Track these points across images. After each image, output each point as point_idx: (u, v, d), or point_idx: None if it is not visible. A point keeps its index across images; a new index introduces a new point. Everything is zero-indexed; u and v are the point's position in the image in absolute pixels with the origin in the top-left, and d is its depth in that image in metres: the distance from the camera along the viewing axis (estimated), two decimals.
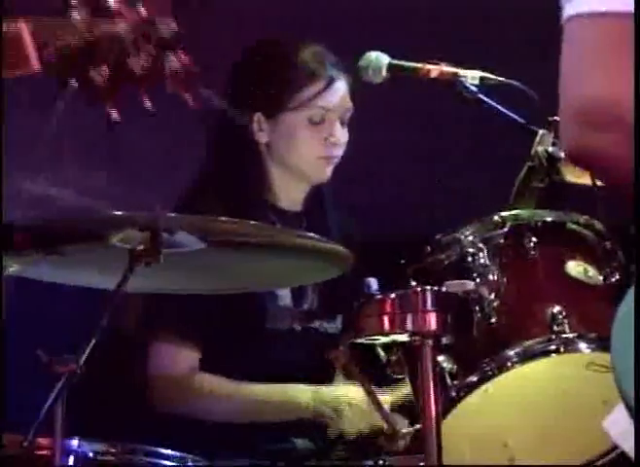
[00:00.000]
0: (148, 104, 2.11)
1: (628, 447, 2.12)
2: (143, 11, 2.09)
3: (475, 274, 3.84)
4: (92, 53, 2.02)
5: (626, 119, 2.10)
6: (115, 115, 2.07)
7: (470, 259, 3.86)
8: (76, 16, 2.03)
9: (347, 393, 4.03)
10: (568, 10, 2.20)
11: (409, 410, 3.84)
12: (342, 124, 4.47)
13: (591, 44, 2.18)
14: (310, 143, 4.43)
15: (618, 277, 3.77)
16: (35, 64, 2.01)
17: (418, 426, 3.69)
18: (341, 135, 4.45)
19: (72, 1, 2.04)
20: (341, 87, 4.46)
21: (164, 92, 3.90)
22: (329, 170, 4.46)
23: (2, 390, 4.09)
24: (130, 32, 2.04)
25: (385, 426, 3.84)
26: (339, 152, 4.46)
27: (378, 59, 4.21)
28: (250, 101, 4.35)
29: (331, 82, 4.42)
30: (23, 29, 2.03)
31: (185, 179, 4.34)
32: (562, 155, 3.86)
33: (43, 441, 3.58)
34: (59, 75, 2.06)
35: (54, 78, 2.06)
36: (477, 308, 3.79)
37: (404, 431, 3.76)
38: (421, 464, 3.57)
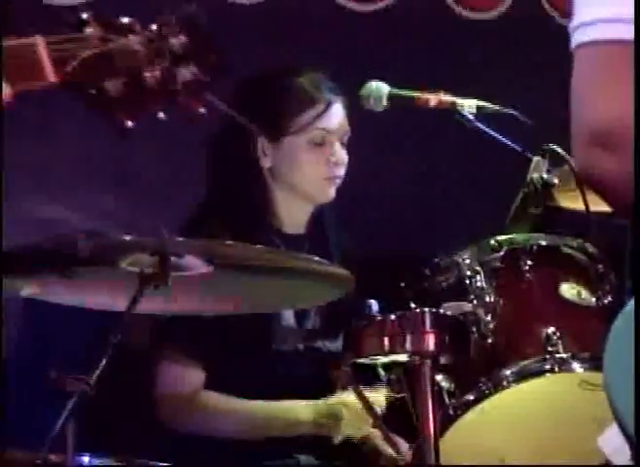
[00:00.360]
0: (161, 115, 2.11)
1: (621, 463, 2.14)
2: (155, 27, 2.13)
3: (472, 296, 3.87)
4: (107, 66, 2.05)
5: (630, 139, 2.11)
6: (129, 123, 2.09)
7: (467, 281, 3.88)
8: (90, 31, 2.08)
9: (343, 398, 4.05)
10: (575, 40, 2.22)
11: (409, 428, 3.85)
12: (342, 144, 4.46)
13: (596, 70, 2.20)
14: (313, 164, 4.42)
15: (610, 299, 3.78)
16: (51, 76, 2.03)
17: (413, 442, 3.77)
18: (342, 155, 4.44)
19: (85, 17, 2.09)
20: (339, 109, 4.46)
21: (170, 120, 3.95)
22: (332, 190, 4.45)
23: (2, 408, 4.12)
24: (144, 46, 2.08)
25: (387, 449, 3.88)
26: (342, 172, 4.45)
27: (379, 89, 4.24)
28: (253, 127, 4.37)
29: (329, 105, 4.42)
30: (39, 42, 2.07)
31: (190, 203, 4.36)
32: (556, 181, 3.89)
33: (55, 458, 3.60)
34: (75, 87, 2.08)
35: (70, 90, 2.09)
36: (474, 329, 3.82)
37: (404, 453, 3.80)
38: None
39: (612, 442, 2.16)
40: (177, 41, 2.09)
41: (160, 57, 2.08)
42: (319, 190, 4.43)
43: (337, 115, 4.44)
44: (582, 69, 2.20)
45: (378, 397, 3.97)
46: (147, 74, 2.09)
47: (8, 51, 2.05)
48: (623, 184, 2.13)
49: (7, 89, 2.06)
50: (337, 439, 4.09)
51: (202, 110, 2.11)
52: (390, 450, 3.89)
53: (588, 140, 2.14)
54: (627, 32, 2.15)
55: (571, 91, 2.18)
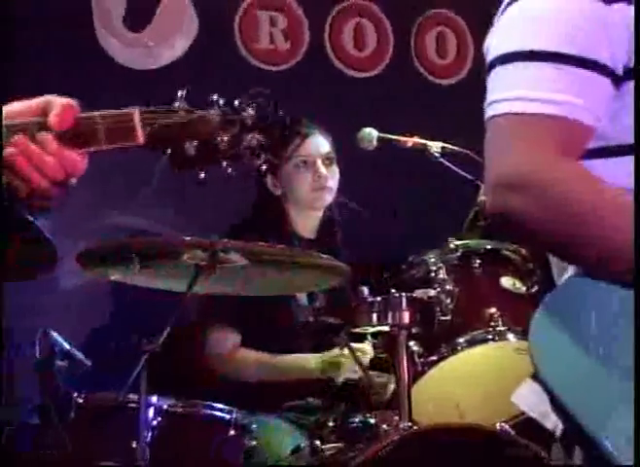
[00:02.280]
0: (229, 170, 2.09)
1: (535, 412, 2.07)
2: (231, 103, 2.10)
3: (436, 285, 3.86)
4: (187, 132, 2.03)
5: (532, 186, 2.02)
6: (202, 176, 2.09)
7: (432, 274, 3.88)
8: (178, 104, 2.07)
9: (342, 352, 4.04)
10: (486, 114, 2.13)
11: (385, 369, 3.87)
12: (329, 164, 4.39)
13: (499, 138, 2.10)
14: (302, 181, 4.37)
15: (537, 288, 3.80)
16: (140, 139, 2.00)
17: (392, 388, 3.79)
18: (323, 171, 4.37)
19: (177, 95, 2.08)
20: (315, 139, 4.40)
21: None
22: (327, 197, 4.41)
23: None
24: (219, 118, 2.05)
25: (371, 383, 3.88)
26: (328, 183, 4.37)
27: (370, 133, 4.18)
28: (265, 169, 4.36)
29: (305, 137, 4.37)
30: (135, 113, 2.02)
31: (228, 215, 4.35)
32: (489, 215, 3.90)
33: (132, 397, 3.63)
34: (158, 147, 2.05)
35: (153, 149, 2.05)
36: (437, 309, 3.82)
37: (382, 381, 3.84)
38: (395, 418, 3.58)
39: (524, 396, 2.09)
40: (247, 114, 2.05)
41: (231, 127, 2.05)
42: (313, 199, 4.40)
43: (314, 143, 4.39)
44: (492, 134, 2.11)
45: (366, 353, 3.96)
46: (218, 139, 2.06)
47: (110, 116, 2.02)
48: (523, 215, 2.03)
49: (104, 146, 2.02)
50: (339, 381, 4.07)
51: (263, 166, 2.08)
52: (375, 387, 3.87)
53: (495, 184, 2.06)
54: (526, 108, 2.06)
55: (485, 152, 2.11)
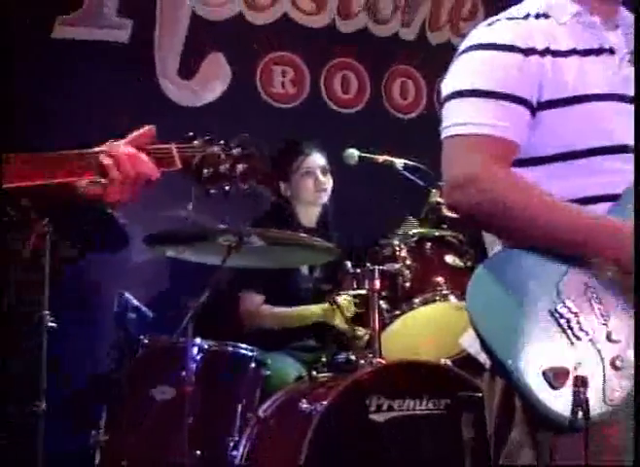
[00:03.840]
0: (226, 188, 2.13)
1: (473, 350, 2.08)
2: (228, 144, 2.15)
3: (399, 261, 3.81)
4: (204, 162, 2.07)
5: (474, 186, 2.00)
6: (211, 191, 2.10)
7: (397, 253, 3.83)
8: (197, 143, 2.10)
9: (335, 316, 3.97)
10: (442, 136, 2.09)
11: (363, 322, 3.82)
12: (325, 173, 4.33)
13: (452, 152, 2.07)
14: (306, 186, 4.31)
15: (470, 264, 3.75)
16: (178, 165, 2.03)
17: (368, 336, 3.71)
18: (322, 179, 4.32)
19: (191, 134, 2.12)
20: (314, 156, 4.33)
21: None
22: (324, 197, 4.36)
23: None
24: (223, 153, 2.09)
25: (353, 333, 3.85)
26: (326, 186, 4.33)
27: (353, 153, 4.14)
28: (280, 178, 4.34)
29: (307, 154, 4.31)
30: (173, 147, 2.05)
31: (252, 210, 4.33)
32: (442, 201, 3.83)
33: (182, 339, 3.61)
34: (188, 171, 2.07)
35: (185, 173, 2.09)
36: (400, 278, 3.78)
37: (360, 334, 3.79)
38: (370, 355, 3.57)
39: (466, 339, 2.10)
40: (237, 152, 2.09)
41: (229, 159, 2.08)
42: (314, 198, 4.35)
43: (314, 159, 4.32)
44: (446, 150, 2.08)
45: (350, 308, 3.89)
46: (221, 167, 2.08)
47: (155, 150, 2.03)
48: (469, 206, 2.03)
49: (156, 173, 2.03)
50: (335, 323, 4.01)
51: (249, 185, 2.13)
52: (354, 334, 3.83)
53: (449, 185, 2.06)
54: (469, 130, 2.04)
55: (442, 163, 2.09)
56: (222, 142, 2.08)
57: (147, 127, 2.06)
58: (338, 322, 3.97)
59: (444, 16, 5.41)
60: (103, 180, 1.98)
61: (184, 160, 2.06)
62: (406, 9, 5.34)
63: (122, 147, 2.00)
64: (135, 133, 2.05)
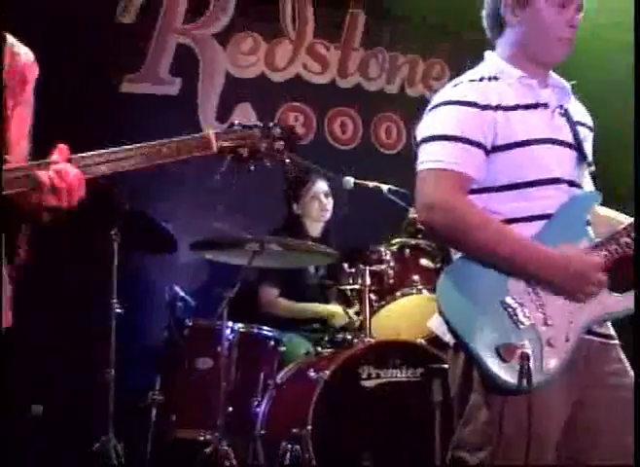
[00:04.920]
0: (267, 164, 2.00)
1: (440, 332, 2.06)
2: (266, 125, 2.01)
3: (384, 263, 3.76)
4: (244, 143, 1.92)
5: (439, 208, 2.00)
6: (252, 167, 1.95)
7: (383, 256, 3.77)
8: (236, 127, 1.95)
9: (337, 308, 3.95)
10: (417, 169, 2.09)
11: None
12: (327, 196, 4.28)
13: (427, 185, 2.06)
14: (313, 207, 4.25)
15: (439, 265, 3.68)
16: (214, 149, 1.86)
17: (360, 320, 3.67)
18: (325, 201, 4.27)
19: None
20: (319, 183, 4.26)
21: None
22: (326, 215, 4.28)
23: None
24: (261, 133, 1.95)
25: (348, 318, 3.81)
26: (328, 207, 4.28)
27: (349, 180, 4.06)
28: (293, 199, 4.29)
29: (315, 181, 4.25)
30: (211, 133, 1.89)
31: (270, 224, 4.28)
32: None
33: (218, 322, 3.62)
34: (224, 153, 1.91)
35: (221, 155, 1.92)
36: (385, 276, 3.73)
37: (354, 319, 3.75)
38: (362, 336, 3.55)
39: (435, 324, 2.07)
40: (275, 131, 1.96)
41: (269, 138, 1.96)
42: (318, 216, 4.29)
43: (320, 186, 4.27)
44: (420, 181, 2.07)
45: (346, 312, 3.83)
46: (262, 145, 1.94)
47: (191, 139, 1.90)
48: (434, 224, 2.03)
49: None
50: (333, 323, 3.99)
51: (287, 161, 1.98)
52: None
53: (421, 207, 2.06)
54: (437, 166, 2.04)
55: (416, 190, 2.08)
56: (261, 124, 1.96)
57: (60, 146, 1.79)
58: (336, 322, 3.95)
59: (419, 76, 5.41)
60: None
61: (220, 145, 1.90)
62: (389, 70, 5.33)
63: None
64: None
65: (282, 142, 1.97)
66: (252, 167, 1.95)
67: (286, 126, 1.99)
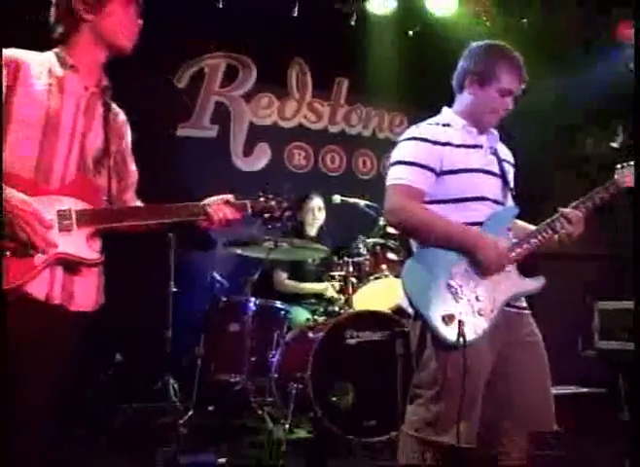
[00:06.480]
0: (278, 225, 2.03)
1: (404, 305, 2.00)
2: (271, 197, 1.94)
3: (362, 256, 3.73)
4: (262, 209, 1.91)
5: (398, 212, 1.95)
6: (269, 227, 2.01)
7: (361, 251, 3.75)
8: (261, 198, 1.92)
9: (327, 285, 3.91)
10: (387, 183, 2.03)
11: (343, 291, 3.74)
12: (320, 210, 4.18)
13: (392, 195, 2.00)
14: (310, 217, 4.18)
15: (402, 258, 3.65)
16: (249, 212, 1.84)
17: (345, 297, 3.65)
18: (318, 214, 4.18)
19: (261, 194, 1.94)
20: (315, 200, 4.18)
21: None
22: (320, 221, 4.19)
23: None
24: (275, 203, 1.92)
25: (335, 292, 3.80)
26: (321, 216, 4.18)
27: (337, 198, 4.06)
28: (298, 210, 4.18)
29: (311, 199, 4.18)
30: (247, 202, 1.86)
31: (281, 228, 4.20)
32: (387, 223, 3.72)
33: (244, 298, 3.59)
34: (259, 215, 1.89)
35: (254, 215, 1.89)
36: (363, 266, 3.71)
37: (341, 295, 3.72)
38: (347, 308, 3.54)
39: (401, 300, 2.02)
40: (285, 205, 1.93)
41: (281, 208, 1.92)
42: (314, 222, 4.20)
43: (315, 202, 4.20)
44: (387, 193, 2.01)
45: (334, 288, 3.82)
46: (276, 213, 1.92)
47: (238, 203, 1.85)
48: (397, 223, 1.99)
49: (237, 216, 1.86)
50: (327, 295, 3.92)
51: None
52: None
53: (386, 211, 2.00)
54: (398, 182, 1.98)
55: (385, 199, 2.00)
56: (279, 198, 1.94)
57: (228, 196, 1.87)
58: (327, 295, 3.93)
59: (386, 124, 5.42)
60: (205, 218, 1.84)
61: (253, 209, 1.90)
62: (365, 120, 5.32)
63: (218, 202, 1.84)
64: (223, 196, 1.87)
65: (289, 212, 1.96)
66: (269, 226, 1.96)
67: (290, 204, 1.97)
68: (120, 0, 1.74)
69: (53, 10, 1.73)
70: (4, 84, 1.62)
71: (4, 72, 1.62)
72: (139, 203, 1.90)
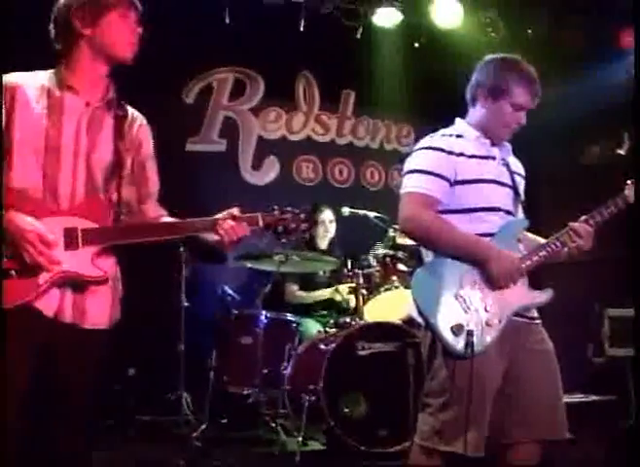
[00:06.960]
0: (291, 239, 1.93)
1: (414, 315, 1.99)
2: (286, 214, 1.83)
3: (372, 267, 3.76)
4: (275, 225, 1.82)
5: (413, 220, 1.95)
6: (283, 241, 1.86)
7: (371, 263, 3.79)
8: (275, 213, 1.83)
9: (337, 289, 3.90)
10: (401, 191, 2.04)
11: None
12: (331, 222, 4.15)
13: (406, 203, 2.01)
14: (321, 229, 4.13)
15: (412, 269, 3.53)
16: (261, 225, 1.79)
17: (355, 301, 3.65)
18: (329, 227, 4.15)
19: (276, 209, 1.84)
20: (325, 212, 4.15)
21: None
22: (331, 234, 4.16)
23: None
24: (290, 216, 1.84)
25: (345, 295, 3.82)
26: (331, 229, 4.16)
27: (346, 210, 4.03)
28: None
29: (321, 211, 4.15)
30: (259, 215, 1.78)
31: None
32: (396, 234, 3.74)
33: (255, 311, 3.60)
34: (272, 229, 1.81)
35: (266, 228, 1.81)
36: (373, 277, 3.73)
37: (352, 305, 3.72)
38: (358, 319, 3.51)
39: (410, 310, 2.01)
40: (301, 217, 1.85)
41: (296, 222, 1.84)
42: (324, 235, 4.18)
43: (326, 214, 4.17)
44: (402, 201, 2.01)
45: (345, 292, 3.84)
46: (291, 226, 1.82)
47: (249, 216, 1.78)
48: (411, 232, 2.01)
49: (247, 232, 1.76)
50: (336, 299, 3.88)
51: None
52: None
53: (401, 219, 2.00)
54: (414, 190, 1.98)
55: (399, 207, 2.01)
56: (294, 211, 1.84)
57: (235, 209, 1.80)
58: (338, 299, 3.90)
59: (393, 135, 5.44)
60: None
61: (265, 222, 1.80)
62: (372, 132, 5.31)
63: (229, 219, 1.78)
64: (229, 211, 1.79)
65: (306, 224, 1.87)
66: (283, 240, 1.86)
67: (307, 216, 1.87)
68: (117, 10, 1.70)
69: (51, 26, 1.71)
70: (4, 109, 1.62)
71: (3, 98, 1.62)
72: (162, 212, 1.85)
